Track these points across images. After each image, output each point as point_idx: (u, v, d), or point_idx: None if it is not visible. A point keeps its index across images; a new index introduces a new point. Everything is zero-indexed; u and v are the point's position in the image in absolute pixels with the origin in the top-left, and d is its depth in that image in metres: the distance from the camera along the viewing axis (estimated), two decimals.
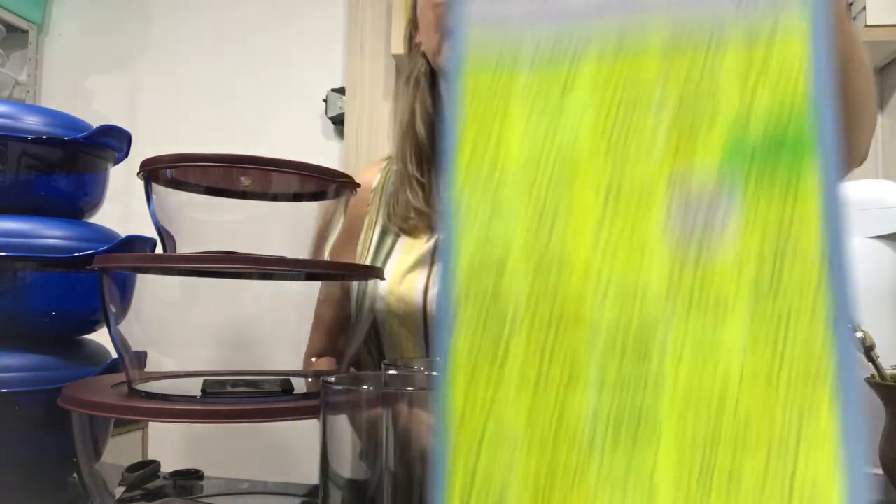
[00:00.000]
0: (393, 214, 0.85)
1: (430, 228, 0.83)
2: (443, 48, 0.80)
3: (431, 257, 0.81)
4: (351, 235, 0.92)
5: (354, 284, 0.84)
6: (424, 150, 0.86)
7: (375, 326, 0.83)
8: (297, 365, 0.99)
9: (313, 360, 0.90)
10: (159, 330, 0.66)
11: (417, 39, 0.88)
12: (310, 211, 1.16)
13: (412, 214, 0.84)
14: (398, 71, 1.90)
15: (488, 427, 0.28)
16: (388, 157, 0.95)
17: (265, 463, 1.07)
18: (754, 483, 0.26)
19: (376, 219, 0.89)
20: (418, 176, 0.85)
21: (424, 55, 0.87)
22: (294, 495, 0.76)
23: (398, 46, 1.76)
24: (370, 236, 0.88)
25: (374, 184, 0.92)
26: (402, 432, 0.38)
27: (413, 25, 0.90)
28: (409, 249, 0.83)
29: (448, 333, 0.30)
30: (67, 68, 2.13)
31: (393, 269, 0.82)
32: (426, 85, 0.87)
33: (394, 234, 0.86)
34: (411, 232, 0.84)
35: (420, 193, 0.84)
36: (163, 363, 0.64)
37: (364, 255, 0.88)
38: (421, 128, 0.86)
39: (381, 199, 0.91)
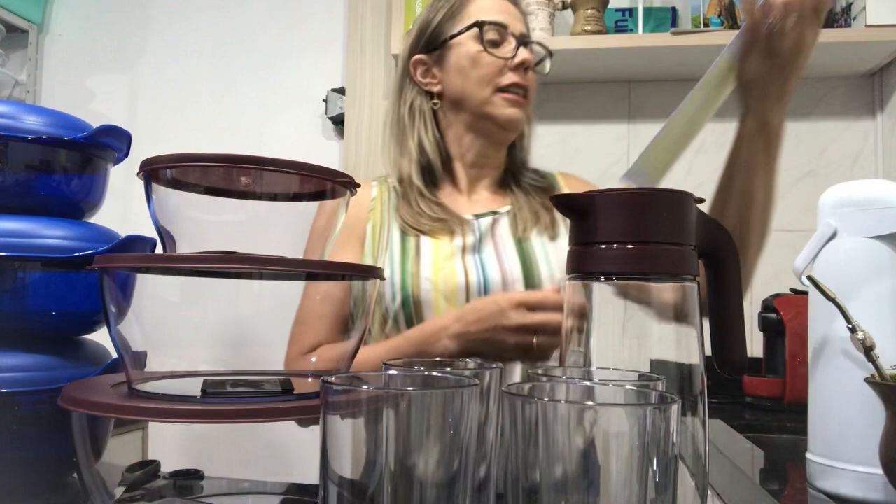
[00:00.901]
0: (409, 220, 1.03)
1: (450, 231, 1.01)
2: (493, 100, 1.02)
3: (461, 252, 1.00)
4: (351, 234, 1.06)
5: (356, 283, 0.95)
6: (436, 171, 1.07)
7: (418, 306, 0.97)
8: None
9: (298, 356, 0.99)
10: (159, 330, 0.66)
11: (428, 79, 1.07)
12: (310, 211, 1.16)
13: (425, 220, 1.02)
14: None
15: None
16: (380, 177, 1.13)
17: (265, 463, 1.07)
18: None
19: (388, 223, 1.05)
20: (427, 193, 1.05)
21: (427, 93, 1.07)
22: (294, 495, 0.76)
23: (398, 46, 1.76)
24: (384, 237, 1.04)
25: (374, 194, 1.09)
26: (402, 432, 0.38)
27: (417, 63, 1.07)
28: (437, 246, 1.01)
29: None
30: (67, 68, 2.13)
31: (431, 260, 1.00)
32: (430, 117, 1.08)
33: (413, 235, 1.02)
34: (430, 233, 1.02)
35: (434, 206, 1.03)
36: (163, 363, 0.64)
37: (378, 252, 1.03)
38: (433, 154, 1.06)
39: (383, 207, 1.07)
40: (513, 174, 1.12)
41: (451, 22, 1.06)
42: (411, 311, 0.98)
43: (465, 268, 0.99)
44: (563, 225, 1.09)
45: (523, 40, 1.04)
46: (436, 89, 1.08)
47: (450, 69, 1.05)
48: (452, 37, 1.05)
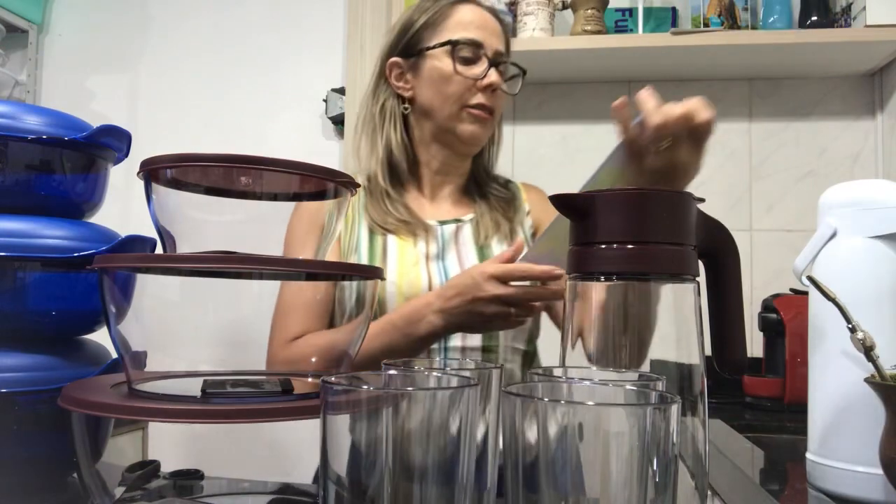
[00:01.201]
0: (376, 218, 1.06)
1: (413, 234, 1.05)
2: (459, 115, 1.05)
3: (426, 258, 1.05)
4: (313, 227, 1.03)
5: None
6: (402, 173, 1.10)
7: (382, 306, 1.01)
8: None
9: (283, 344, 1.01)
10: (159, 330, 0.66)
11: (401, 83, 1.09)
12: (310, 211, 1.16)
13: (391, 220, 1.05)
14: None
15: None
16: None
17: (265, 463, 1.07)
18: None
19: (357, 221, 1.08)
20: (393, 193, 1.08)
21: (399, 96, 1.09)
22: (294, 495, 0.76)
23: None
24: (354, 235, 1.07)
25: None
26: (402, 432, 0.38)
27: (393, 65, 1.09)
28: (402, 250, 1.05)
29: None
30: (67, 68, 2.13)
31: (397, 264, 1.03)
32: (401, 120, 1.10)
33: (381, 234, 1.06)
34: (395, 232, 1.05)
35: (400, 207, 1.07)
36: (163, 363, 0.64)
37: (349, 250, 1.07)
38: (400, 156, 1.08)
39: (352, 204, 1.06)
40: (477, 183, 1.16)
41: (429, 31, 1.08)
42: (376, 311, 1.01)
43: (428, 273, 1.03)
44: (521, 233, 1.13)
45: (496, 60, 1.06)
46: (408, 94, 1.10)
47: (422, 79, 1.08)
48: (428, 49, 1.07)
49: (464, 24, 1.06)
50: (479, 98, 1.05)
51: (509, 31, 1.14)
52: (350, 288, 1.02)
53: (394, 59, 1.10)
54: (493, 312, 0.86)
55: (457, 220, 1.10)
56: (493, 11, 1.12)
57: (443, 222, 1.09)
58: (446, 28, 1.06)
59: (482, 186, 1.16)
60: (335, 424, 0.38)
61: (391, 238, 1.05)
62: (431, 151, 1.11)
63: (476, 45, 1.05)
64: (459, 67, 1.04)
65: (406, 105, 1.10)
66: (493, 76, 1.05)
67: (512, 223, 1.12)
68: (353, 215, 1.08)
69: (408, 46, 1.09)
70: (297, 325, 1.01)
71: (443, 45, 1.05)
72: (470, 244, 1.08)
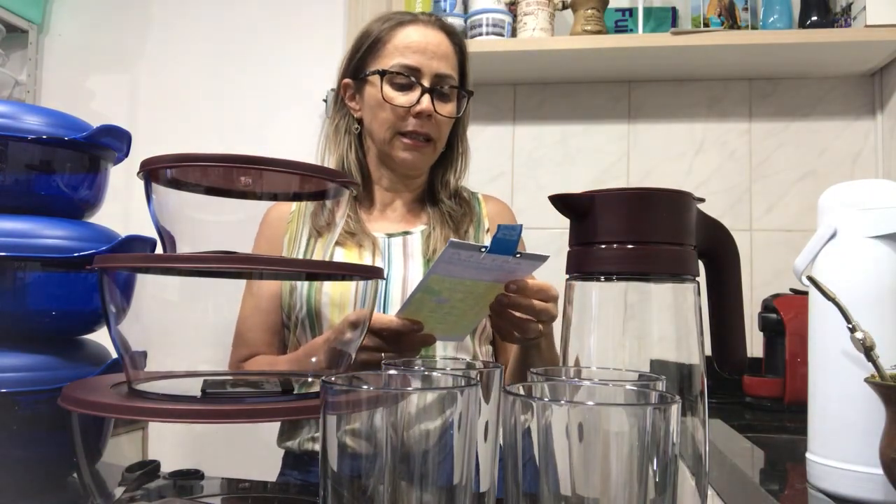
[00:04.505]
0: (322, 228, 1.06)
1: (358, 245, 1.05)
2: (393, 143, 1.05)
3: None
4: (271, 248, 1.10)
5: (296, 290, 1.04)
6: (356, 189, 1.07)
7: (318, 317, 1.01)
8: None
9: (235, 365, 1.05)
10: (159, 330, 0.66)
11: (352, 104, 1.11)
12: (310, 211, 1.16)
13: (341, 232, 1.04)
14: None
15: None
16: None
17: (265, 463, 1.08)
18: None
19: (302, 233, 1.08)
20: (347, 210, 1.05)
21: (353, 116, 1.11)
22: (294, 495, 0.76)
23: None
24: (298, 247, 1.08)
25: (293, 207, 1.12)
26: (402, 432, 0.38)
27: (346, 86, 1.11)
28: (346, 260, 1.03)
29: None
30: (67, 68, 2.12)
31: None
32: (356, 138, 1.11)
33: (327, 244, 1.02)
34: (342, 244, 1.05)
35: (349, 219, 1.06)
36: (163, 363, 0.64)
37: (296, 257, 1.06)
38: (355, 174, 1.09)
39: (299, 219, 1.10)
40: (432, 193, 1.15)
41: (372, 55, 1.07)
42: (314, 320, 1.02)
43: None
44: None
45: (432, 87, 1.04)
46: (357, 115, 1.10)
47: (364, 103, 1.08)
48: (366, 75, 1.07)
49: (401, 48, 1.05)
50: (412, 125, 1.04)
51: (463, 49, 1.11)
52: (297, 301, 1.03)
53: (346, 80, 1.11)
54: (362, 359, 0.82)
55: (405, 233, 1.10)
56: (445, 28, 1.09)
57: (391, 235, 1.09)
58: (386, 53, 1.05)
59: (436, 198, 1.14)
60: (335, 424, 0.38)
61: (338, 249, 1.05)
62: (380, 171, 1.12)
63: (411, 71, 1.03)
64: (390, 95, 1.04)
65: (357, 125, 1.11)
66: (424, 103, 1.03)
67: (460, 238, 1.10)
68: (298, 230, 1.09)
69: (355, 69, 1.09)
70: (246, 347, 1.05)
71: (374, 73, 1.05)
72: (418, 256, 1.07)
